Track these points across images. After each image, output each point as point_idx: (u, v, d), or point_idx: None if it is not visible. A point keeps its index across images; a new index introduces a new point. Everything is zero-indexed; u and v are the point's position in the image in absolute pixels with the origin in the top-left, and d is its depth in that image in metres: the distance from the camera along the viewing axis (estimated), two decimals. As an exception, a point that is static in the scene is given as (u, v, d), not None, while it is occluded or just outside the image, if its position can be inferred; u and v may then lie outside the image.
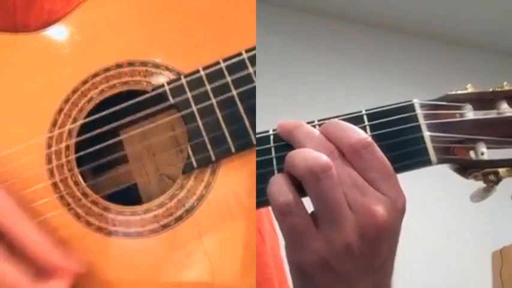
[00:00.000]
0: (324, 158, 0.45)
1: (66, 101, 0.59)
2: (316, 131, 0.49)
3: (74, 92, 0.59)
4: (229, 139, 0.56)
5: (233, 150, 0.56)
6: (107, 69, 0.59)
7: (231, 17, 0.60)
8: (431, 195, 2.84)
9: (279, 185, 0.46)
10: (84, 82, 0.59)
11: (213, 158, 0.56)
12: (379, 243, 0.45)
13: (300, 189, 0.46)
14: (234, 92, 0.57)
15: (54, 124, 0.58)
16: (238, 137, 0.56)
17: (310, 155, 0.46)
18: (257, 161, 0.51)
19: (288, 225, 0.46)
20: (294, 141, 0.49)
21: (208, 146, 0.56)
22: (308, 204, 0.46)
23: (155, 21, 0.60)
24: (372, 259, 0.46)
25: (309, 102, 2.83)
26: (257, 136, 0.53)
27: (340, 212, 0.45)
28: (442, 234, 2.87)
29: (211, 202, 0.56)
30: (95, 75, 0.59)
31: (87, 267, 0.53)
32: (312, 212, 0.46)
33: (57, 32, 0.61)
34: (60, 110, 0.59)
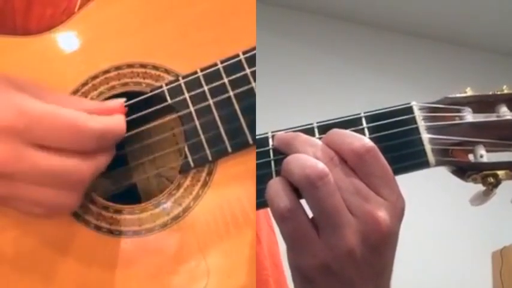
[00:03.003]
0: (320, 165, 0.45)
1: None
2: (314, 140, 0.49)
3: (74, 93, 0.60)
4: (225, 139, 0.57)
5: (230, 150, 0.57)
6: (106, 71, 0.60)
7: (231, 18, 0.61)
8: (431, 195, 2.84)
9: (278, 190, 0.46)
10: (84, 84, 0.60)
11: (210, 158, 0.57)
12: (382, 248, 0.45)
13: (298, 191, 0.46)
14: (231, 93, 0.57)
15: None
16: (235, 136, 0.57)
17: (306, 162, 0.46)
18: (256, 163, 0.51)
19: (288, 230, 0.46)
20: (292, 152, 0.48)
21: (205, 146, 0.57)
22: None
23: (155, 24, 0.61)
24: (375, 264, 0.46)
25: (309, 102, 2.84)
26: (255, 137, 0.53)
27: (339, 218, 0.45)
28: (442, 234, 2.87)
29: (208, 202, 0.56)
30: (95, 77, 0.60)
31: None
32: (313, 217, 0.46)
33: (58, 35, 0.62)
34: None
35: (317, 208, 0.45)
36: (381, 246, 0.45)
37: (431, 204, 2.87)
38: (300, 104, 2.84)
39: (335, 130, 0.48)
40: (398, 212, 0.46)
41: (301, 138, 0.49)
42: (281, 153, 0.49)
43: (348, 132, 0.48)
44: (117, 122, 0.53)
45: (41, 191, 0.49)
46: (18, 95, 0.49)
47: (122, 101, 0.55)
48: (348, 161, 0.46)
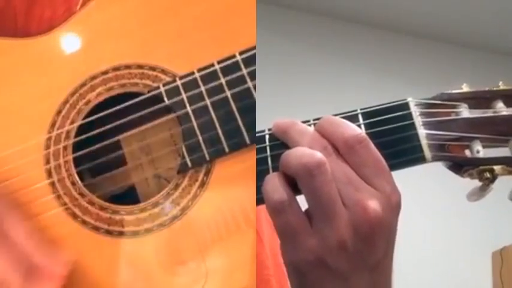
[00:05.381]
0: (317, 154, 0.45)
1: (65, 103, 0.60)
2: (310, 128, 0.49)
3: (72, 94, 0.60)
4: (223, 139, 0.57)
5: (227, 150, 0.57)
6: (104, 72, 0.60)
7: (231, 18, 0.61)
8: (431, 195, 2.84)
9: (274, 183, 0.46)
10: (82, 85, 0.60)
11: (207, 158, 0.57)
12: (373, 239, 0.45)
13: (294, 188, 0.46)
14: (228, 93, 0.58)
15: (52, 125, 0.59)
16: (232, 137, 0.57)
17: (304, 152, 0.46)
18: (252, 160, 0.51)
19: (282, 222, 0.46)
20: (288, 139, 0.49)
21: (203, 146, 0.57)
22: (302, 202, 0.46)
23: (154, 24, 0.61)
24: (367, 256, 0.46)
25: (309, 102, 2.82)
26: (255, 137, 0.53)
27: (334, 208, 0.45)
28: (442, 234, 2.87)
29: (206, 201, 0.56)
30: (93, 78, 0.60)
31: (75, 265, 0.54)
32: (306, 210, 0.46)
33: (57, 37, 0.62)
34: (59, 112, 0.60)
35: (313, 197, 0.45)
36: (371, 237, 0.45)
37: (431, 204, 2.86)
38: (299, 103, 2.83)
39: (327, 118, 0.49)
40: (392, 204, 0.46)
41: (297, 127, 0.49)
42: (278, 149, 0.49)
43: (339, 121, 0.48)
44: None
45: None
46: None
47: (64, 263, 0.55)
48: (340, 151, 0.46)
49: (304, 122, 0.50)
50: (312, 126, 0.50)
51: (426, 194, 2.75)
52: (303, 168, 0.45)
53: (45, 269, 0.52)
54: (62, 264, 0.53)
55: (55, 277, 0.52)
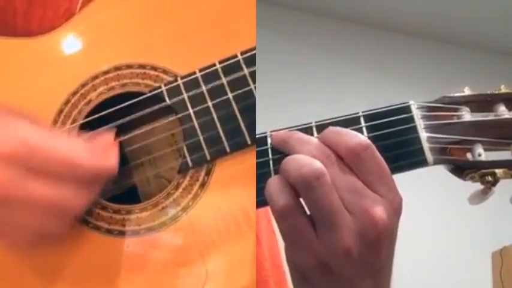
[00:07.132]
0: (316, 164, 0.45)
1: (66, 102, 0.60)
2: (309, 137, 0.49)
3: (74, 94, 0.60)
4: (224, 139, 0.57)
5: (228, 150, 0.57)
6: (106, 72, 0.60)
7: (231, 19, 0.61)
8: (431, 195, 2.84)
9: (278, 187, 0.46)
10: (84, 84, 0.60)
11: (208, 158, 0.57)
12: (379, 245, 0.45)
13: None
14: (229, 93, 0.58)
15: (54, 125, 0.59)
16: (233, 137, 0.57)
17: (303, 161, 0.45)
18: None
19: (287, 227, 0.46)
20: (289, 148, 0.49)
21: (204, 146, 0.57)
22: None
23: (155, 24, 0.61)
24: (372, 262, 0.46)
25: (309, 102, 2.84)
26: (255, 137, 0.53)
27: (336, 218, 0.44)
28: (442, 234, 2.88)
29: (206, 201, 0.56)
30: (94, 77, 0.60)
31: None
32: (311, 215, 0.46)
33: (59, 37, 0.62)
34: (61, 111, 0.60)
35: (314, 208, 0.45)
36: (377, 243, 0.45)
37: (431, 204, 2.87)
38: (300, 103, 2.84)
39: (331, 128, 0.48)
40: (395, 209, 0.46)
41: (296, 136, 0.49)
42: (279, 152, 0.49)
43: (343, 130, 0.48)
44: (110, 163, 0.54)
45: (33, 218, 0.50)
46: (20, 123, 0.50)
47: (112, 136, 0.56)
48: (345, 159, 0.46)
49: (305, 124, 0.50)
50: (314, 128, 0.50)
51: (426, 194, 2.75)
52: (301, 180, 0.44)
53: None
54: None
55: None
